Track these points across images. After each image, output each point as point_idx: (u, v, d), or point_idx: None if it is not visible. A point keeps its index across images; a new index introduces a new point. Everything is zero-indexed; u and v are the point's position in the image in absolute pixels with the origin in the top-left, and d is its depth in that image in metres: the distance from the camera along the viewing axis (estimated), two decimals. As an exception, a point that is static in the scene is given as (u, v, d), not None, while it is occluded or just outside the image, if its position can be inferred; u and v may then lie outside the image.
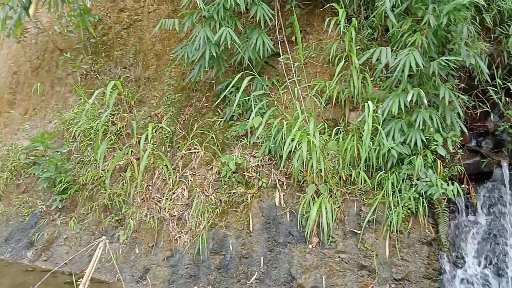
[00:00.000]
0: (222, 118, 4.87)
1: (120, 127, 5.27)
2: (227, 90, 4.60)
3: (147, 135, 4.15)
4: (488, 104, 4.23)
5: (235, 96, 4.45)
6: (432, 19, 3.74)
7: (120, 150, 4.85)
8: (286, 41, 5.02)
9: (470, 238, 3.77)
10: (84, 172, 5.15)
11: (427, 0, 3.87)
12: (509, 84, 4.12)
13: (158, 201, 4.58)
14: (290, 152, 3.87)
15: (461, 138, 3.95)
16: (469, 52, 3.89)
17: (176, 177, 4.63)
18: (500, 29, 4.39)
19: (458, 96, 3.96)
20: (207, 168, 4.61)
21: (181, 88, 5.36)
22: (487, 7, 4.22)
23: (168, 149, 4.91)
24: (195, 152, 4.74)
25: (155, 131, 4.99)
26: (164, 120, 5.14)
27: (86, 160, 5.27)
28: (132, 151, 4.95)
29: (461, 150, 3.93)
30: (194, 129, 4.90)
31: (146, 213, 4.53)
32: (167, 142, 4.91)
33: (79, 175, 5.18)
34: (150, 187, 4.72)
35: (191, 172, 4.63)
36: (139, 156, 4.45)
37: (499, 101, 4.14)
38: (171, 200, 4.51)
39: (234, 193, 4.34)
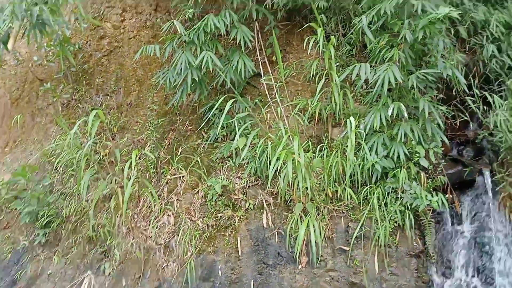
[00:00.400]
0: (207, 140, 4.85)
1: (103, 156, 5.20)
2: (210, 113, 4.59)
3: (130, 163, 4.10)
4: (466, 114, 4.30)
5: (219, 118, 4.44)
6: (408, 34, 3.82)
7: (104, 180, 4.77)
8: (267, 61, 5.06)
9: (457, 247, 3.77)
10: (67, 204, 5.04)
11: (402, 15, 3.95)
12: (485, 93, 4.19)
13: (144, 230, 4.50)
14: (276, 171, 3.84)
15: (443, 148, 3.99)
16: (445, 64, 3.96)
17: (161, 203, 4.56)
18: (475, 40, 4.50)
19: (437, 108, 4.01)
20: (193, 193, 4.56)
21: (164, 112, 5.34)
22: (461, 19, 4.32)
23: (153, 175, 4.85)
24: (180, 176, 4.69)
25: (139, 158, 4.94)
26: (148, 146, 5.09)
27: (69, 191, 5.16)
28: (116, 180, 4.86)
29: (443, 160, 3.96)
30: (179, 153, 4.86)
31: (132, 243, 4.43)
32: (151, 168, 4.85)
33: (62, 207, 5.06)
34: (135, 216, 4.64)
35: (177, 198, 4.57)
36: (123, 184, 4.37)
37: (477, 110, 4.20)
38: (157, 228, 4.43)
39: (221, 216, 4.29)
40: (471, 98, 4.24)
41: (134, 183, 4.56)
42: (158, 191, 4.69)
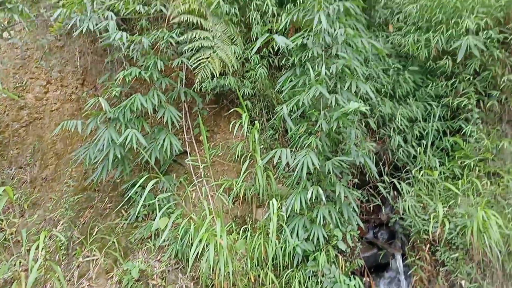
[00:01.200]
0: (126, 220, 4.62)
1: (8, 234, 4.70)
2: (132, 191, 4.44)
3: (38, 243, 3.75)
4: (378, 198, 4.61)
5: (141, 196, 4.30)
6: (324, 124, 4.14)
7: (6, 262, 4.28)
8: (194, 141, 5.13)
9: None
10: (-42, 290, 4.40)
11: (319, 106, 4.30)
12: (394, 180, 4.56)
13: (47, 321, 4.01)
14: (198, 254, 3.72)
15: (359, 231, 4.17)
16: (358, 152, 4.30)
17: (70, 290, 4.15)
18: (383, 131, 4.98)
19: (352, 193, 4.25)
20: (107, 278, 4.21)
21: (81, 188, 5.06)
22: (371, 112, 4.80)
23: (63, 258, 4.44)
24: (93, 259, 4.35)
25: (49, 238, 4.54)
26: (61, 224, 4.72)
27: (-38, 275, 4.53)
28: (20, 262, 4.39)
29: (359, 243, 4.13)
30: (94, 234, 4.55)
31: (31, 337, 3.90)
32: (62, 249, 4.46)
33: (-49, 295, 4.40)
34: (38, 304, 4.15)
35: (88, 283, 4.18)
36: (29, 267, 3.94)
37: (388, 196, 4.53)
38: (62, 318, 3.97)
39: (136, 304, 3.98)
40: (382, 184, 4.58)
41: (41, 266, 4.14)
42: (67, 275, 4.27)
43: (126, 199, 4.63)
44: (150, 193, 4.27)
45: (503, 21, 4.93)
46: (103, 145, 4.32)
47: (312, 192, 3.98)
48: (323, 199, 3.98)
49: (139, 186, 4.33)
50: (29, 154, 5.56)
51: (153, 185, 3.94)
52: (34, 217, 4.93)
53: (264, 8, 4.93)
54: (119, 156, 4.35)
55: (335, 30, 4.33)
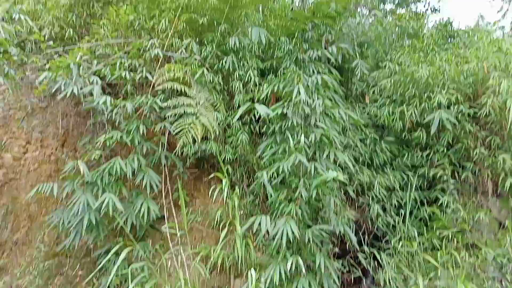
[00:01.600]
0: (97, 289, 4.40)
1: (-33, 304, 4.40)
2: (105, 258, 4.26)
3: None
4: (359, 270, 4.52)
5: (114, 263, 4.13)
6: (303, 191, 4.15)
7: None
8: (173, 205, 5.05)
9: None
10: None
11: (299, 173, 4.34)
12: (374, 250, 4.51)
13: None
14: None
15: (340, 306, 4.05)
16: (338, 221, 4.28)
17: None
18: (362, 199, 5.01)
19: (333, 264, 4.17)
20: None
21: (53, 254, 4.84)
22: (349, 180, 4.86)
23: (25, 332, 4.14)
24: (58, 334, 4.07)
25: (12, 309, 4.25)
26: (27, 293, 4.45)
27: None
28: (-23, 336, 4.07)
29: (341, 319, 3.99)
30: (62, 305, 4.30)
31: None
32: (24, 322, 4.17)
33: None
34: None
35: None
36: None
37: (368, 266, 4.45)
38: None
39: None
40: (363, 254, 4.52)
41: None
42: None
43: (98, 267, 4.42)
44: (124, 261, 4.09)
45: (472, 96, 5.22)
46: (79, 210, 4.20)
47: (292, 263, 3.89)
48: (303, 271, 3.89)
49: (113, 253, 4.16)
50: (1, 217, 5.36)
51: (128, 252, 3.81)
52: (0, 284, 4.65)
53: (246, 78, 5.14)
54: (93, 221, 4.22)
55: (313, 101, 4.50)
